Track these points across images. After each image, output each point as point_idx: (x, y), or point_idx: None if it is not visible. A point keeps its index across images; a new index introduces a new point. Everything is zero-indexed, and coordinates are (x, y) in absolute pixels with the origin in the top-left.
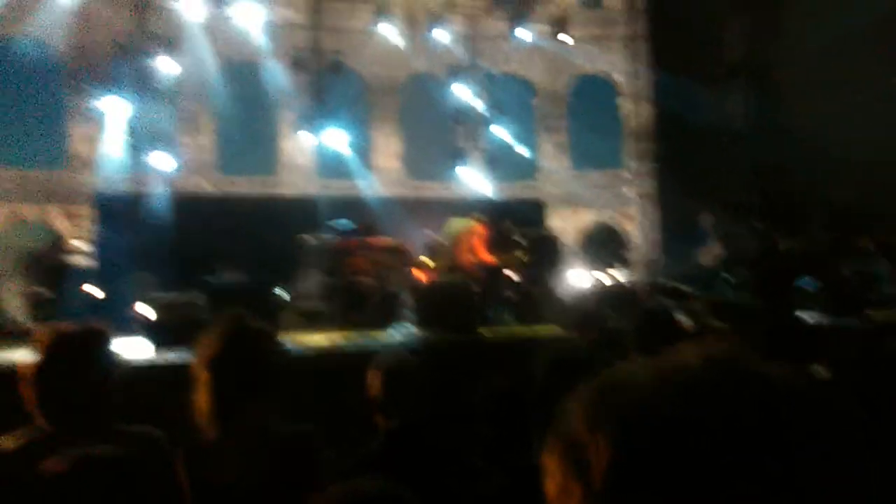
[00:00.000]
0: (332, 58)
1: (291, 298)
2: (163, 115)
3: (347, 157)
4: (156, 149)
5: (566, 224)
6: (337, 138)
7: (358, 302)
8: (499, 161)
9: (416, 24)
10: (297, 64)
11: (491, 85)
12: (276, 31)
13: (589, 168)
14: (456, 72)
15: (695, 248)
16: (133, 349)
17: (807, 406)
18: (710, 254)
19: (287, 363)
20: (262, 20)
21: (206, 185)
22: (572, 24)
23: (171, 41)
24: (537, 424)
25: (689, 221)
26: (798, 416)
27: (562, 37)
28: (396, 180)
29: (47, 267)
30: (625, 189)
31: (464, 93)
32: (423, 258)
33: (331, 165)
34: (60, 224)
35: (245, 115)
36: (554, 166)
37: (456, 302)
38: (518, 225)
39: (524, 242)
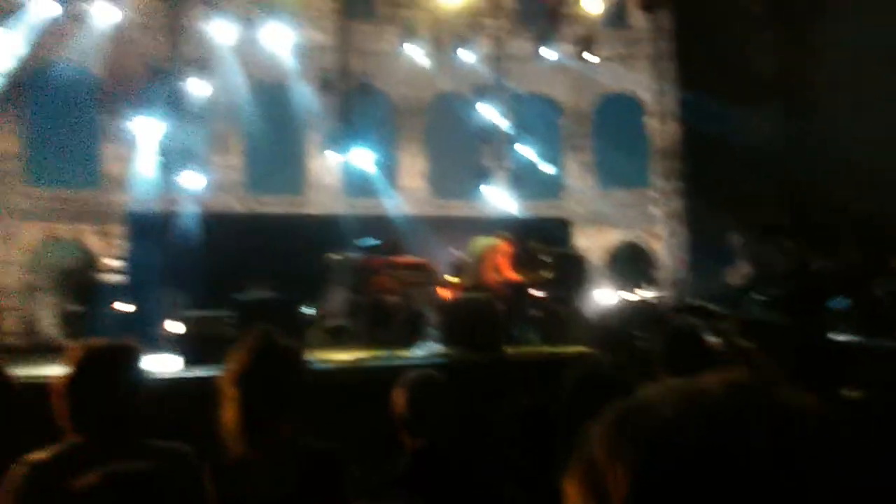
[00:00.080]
0: (359, 79)
1: (318, 315)
2: (194, 135)
3: (374, 176)
4: (186, 168)
5: (592, 243)
6: (363, 158)
7: (383, 320)
8: (524, 180)
9: (442, 46)
10: (324, 85)
11: (516, 104)
12: (305, 53)
13: (615, 187)
14: (481, 92)
15: (723, 267)
16: (163, 365)
17: (828, 435)
18: (738, 273)
19: (313, 380)
20: (291, 42)
21: (236, 203)
22: (598, 44)
23: (202, 64)
24: (563, 444)
25: (717, 240)
26: (819, 446)
27: (587, 56)
28: (422, 199)
29: (80, 284)
30: (651, 208)
31: (489, 112)
32: (448, 276)
33: (357, 185)
34: (93, 242)
35: (273, 136)
36: (579, 185)
37: (480, 320)
38: (544, 243)
39: (550, 261)
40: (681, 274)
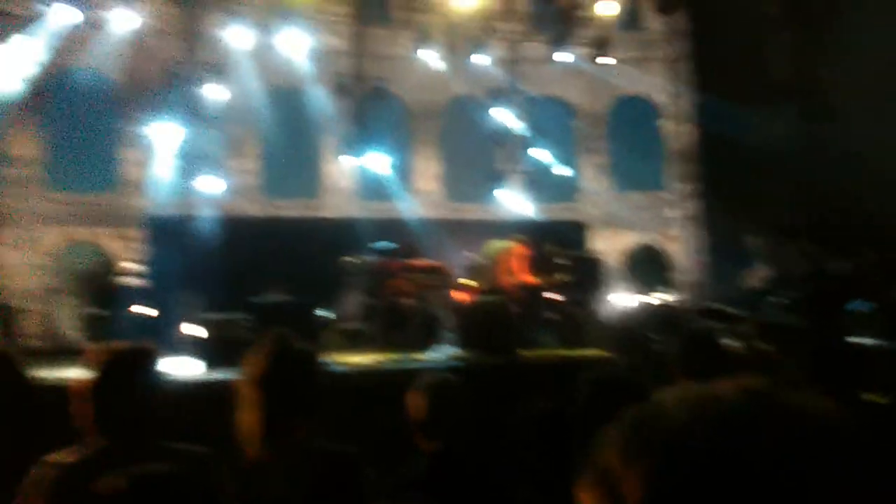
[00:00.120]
0: (374, 83)
1: (334, 319)
2: (211, 139)
3: (388, 179)
4: (204, 172)
5: (608, 245)
6: (378, 161)
7: (398, 323)
8: (539, 183)
9: (456, 49)
10: (340, 90)
11: (531, 107)
12: (320, 57)
13: (630, 189)
14: (496, 95)
15: (741, 269)
16: (180, 367)
17: (846, 440)
18: (756, 275)
19: (329, 382)
20: (307, 47)
21: (252, 207)
22: (612, 46)
23: (219, 69)
24: (579, 447)
25: (734, 243)
26: (837, 452)
27: (602, 59)
28: (437, 202)
29: (99, 287)
30: (667, 210)
31: (504, 115)
32: (463, 279)
33: (372, 188)
34: (112, 246)
35: (289, 140)
36: (595, 188)
37: (496, 323)
38: (559, 246)
39: (565, 264)
40: (698, 276)
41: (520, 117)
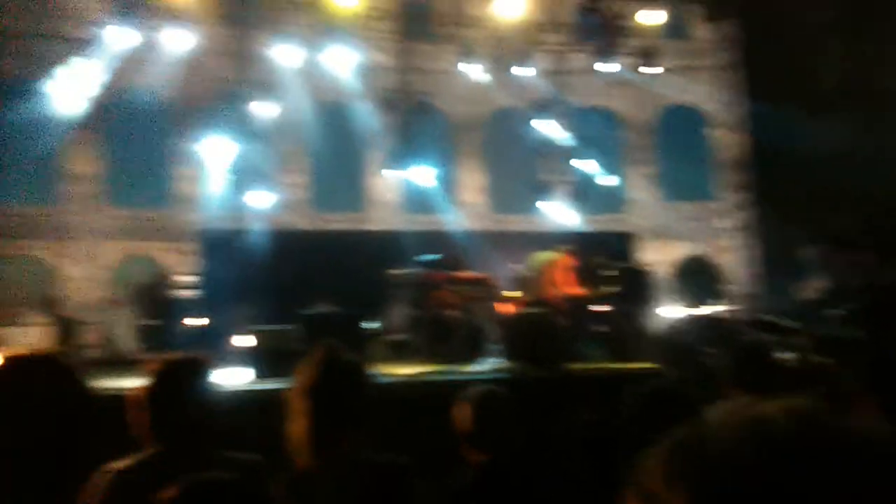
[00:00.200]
0: (418, 98)
1: (380, 330)
2: (261, 155)
3: (433, 192)
4: (254, 187)
5: (657, 256)
6: (423, 175)
7: (443, 334)
8: (586, 194)
9: (500, 62)
10: (385, 104)
11: (576, 118)
12: (366, 73)
13: (679, 200)
14: (540, 106)
15: (795, 280)
16: (231, 377)
17: (892, 465)
18: (811, 286)
19: (377, 394)
20: (353, 64)
21: (301, 221)
22: (659, 56)
23: (268, 86)
24: (625, 461)
25: (789, 253)
26: (887, 479)
27: (648, 69)
28: (481, 214)
29: (155, 299)
30: (717, 220)
31: (548, 126)
32: (509, 291)
33: (417, 201)
34: (167, 259)
35: (336, 155)
36: (643, 198)
37: (542, 335)
38: (607, 258)
39: (613, 275)
40: (750, 288)
41: (565, 128)
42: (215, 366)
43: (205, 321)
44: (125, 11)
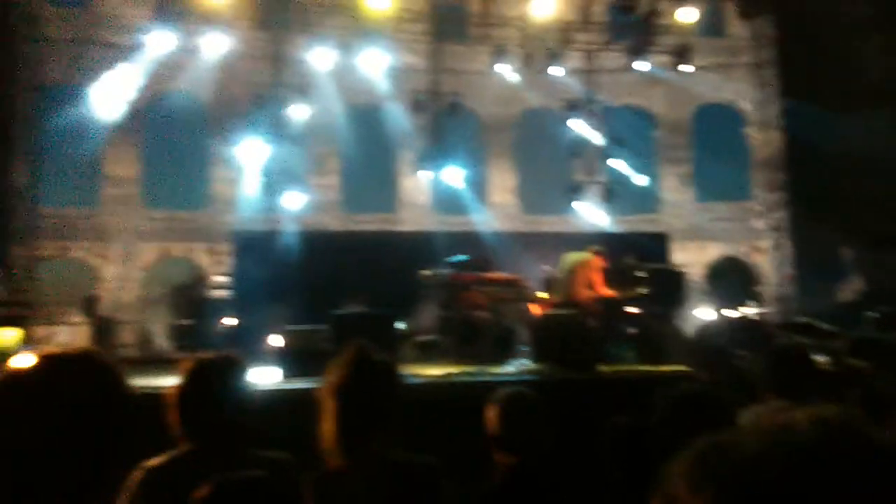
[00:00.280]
0: (449, 99)
1: (410, 331)
2: (294, 157)
3: (464, 193)
4: (288, 189)
5: (691, 257)
6: (453, 176)
7: (473, 335)
8: (618, 194)
9: (532, 62)
10: (416, 106)
11: (610, 117)
12: (398, 75)
13: (714, 200)
14: (573, 106)
15: (833, 282)
16: (264, 376)
17: None
18: (850, 288)
19: (407, 394)
20: (386, 66)
21: (332, 222)
22: (693, 53)
23: (302, 89)
24: (656, 464)
25: (826, 255)
26: None
27: (683, 66)
28: (512, 215)
29: (190, 299)
30: (753, 221)
31: (581, 126)
32: (539, 292)
33: (448, 202)
34: (203, 260)
35: (368, 156)
36: (677, 198)
37: (572, 337)
38: (640, 258)
39: (646, 276)
40: (787, 289)
41: (597, 127)
42: (248, 365)
43: (238, 321)
44: (163, 17)
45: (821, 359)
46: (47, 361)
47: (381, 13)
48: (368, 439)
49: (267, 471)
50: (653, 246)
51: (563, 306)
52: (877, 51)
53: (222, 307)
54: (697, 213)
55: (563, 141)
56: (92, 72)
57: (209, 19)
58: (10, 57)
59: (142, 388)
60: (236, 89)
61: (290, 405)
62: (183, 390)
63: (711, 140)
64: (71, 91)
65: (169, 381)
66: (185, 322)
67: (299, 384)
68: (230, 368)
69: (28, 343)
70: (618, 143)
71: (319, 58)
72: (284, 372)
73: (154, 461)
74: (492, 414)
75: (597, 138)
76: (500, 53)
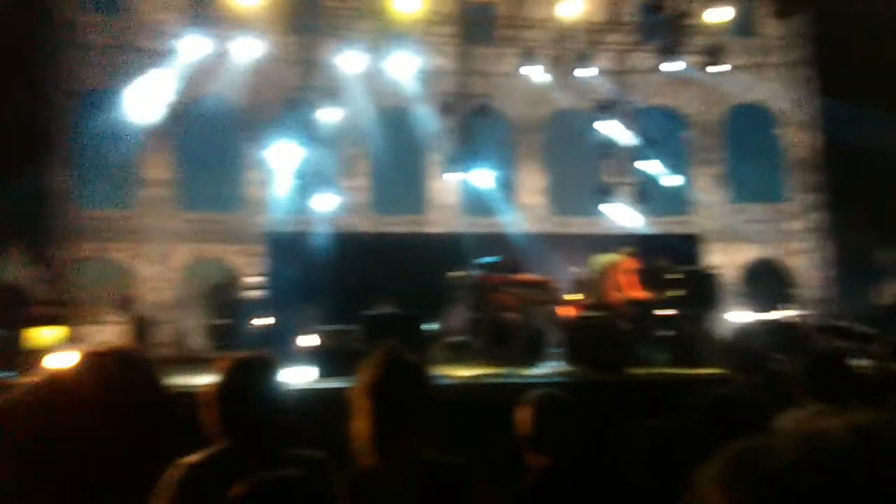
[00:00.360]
0: (478, 100)
1: (439, 332)
2: (325, 159)
3: (493, 194)
4: (319, 191)
5: (725, 259)
6: (482, 177)
7: (502, 337)
8: (650, 195)
9: (561, 63)
10: (445, 108)
11: (640, 118)
12: (427, 77)
13: (748, 201)
14: (603, 106)
15: (872, 285)
16: (296, 376)
17: None
18: (888, 291)
19: (438, 395)
20: (415, 68)
21: (363, 223)
22: (726, 53)
23: (333, 92)
24: (691, 468)
25: (865, 257)
26: None
27: (715, 66)
28: (541, 216)
29: (224, 300)
30: (788, 223)
31: (611, 127)
32: (569, 294)
33: (477, 203)
34: (236, 261)
35: (397, 158)
36: (710, 200)
37: (603, 339)
38: (672, 260)
39: (678, 278)
40: (822, 292)
41: (627, 128)
42: (280, 365)
43: (271, 321)
44: (197, 23)
45: (861, 363)
46: (87, 358)
47: (410, 16)
48: (402, 439)
49: (303, 469)
50: (685, 247)
51: (593, 308)
52: None
53: (256, 307)
54: (731, 215)
55: (593, 142)
56: (127, 77)
57: (241, 25)
58: (49, 64)
59: (178, 386)
60: (268, 93)
61: (323, 404)
62: (220, 389)
63: (744, 141)
64: (107, 96)
65: (204, 380)
66: (219, 322)
67: (332, 384)
68: (265, 368)
69: (70, 342)
70: (651, 144)
71: (349, 61)
72: (320, 371)
73: (190, 458)
74: (524, 415)
75: (627, 139)
76: (528, 55)
